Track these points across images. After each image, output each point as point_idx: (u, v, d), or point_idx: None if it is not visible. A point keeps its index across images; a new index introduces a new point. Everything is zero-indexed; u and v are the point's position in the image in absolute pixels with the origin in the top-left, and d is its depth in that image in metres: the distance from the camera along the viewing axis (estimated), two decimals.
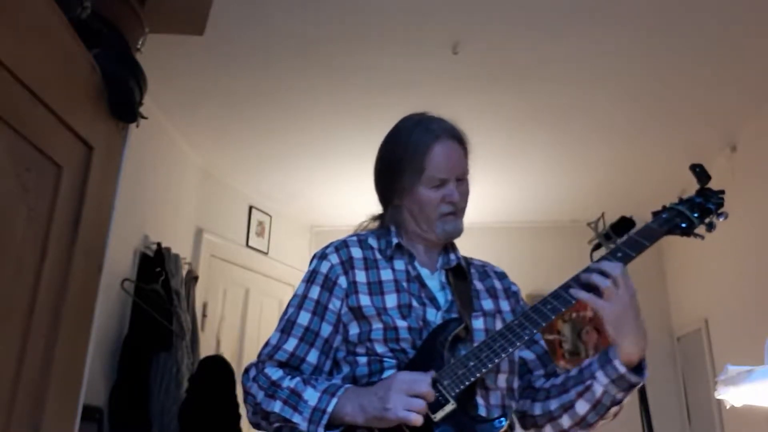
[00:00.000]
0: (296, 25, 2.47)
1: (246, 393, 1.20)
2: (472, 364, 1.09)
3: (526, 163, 3.70)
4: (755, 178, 3.10)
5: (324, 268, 1.26)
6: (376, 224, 1.38)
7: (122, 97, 1.33)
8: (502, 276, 1.40)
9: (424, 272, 1.28)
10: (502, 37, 2.54)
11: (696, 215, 1.26)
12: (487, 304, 1.29)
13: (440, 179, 1.25)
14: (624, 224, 2.24)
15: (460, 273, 1.31)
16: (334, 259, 1.26)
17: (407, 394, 1.03)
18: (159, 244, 3.01)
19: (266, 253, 4.31)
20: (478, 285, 1.32)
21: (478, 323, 1.22)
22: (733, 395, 1.55)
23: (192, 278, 3.33)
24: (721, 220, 1.28)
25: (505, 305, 1.31)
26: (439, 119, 1.32)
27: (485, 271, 1.38)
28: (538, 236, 4.59)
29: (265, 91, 2.98)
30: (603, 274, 1.12)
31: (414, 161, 1.25)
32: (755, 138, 3.11)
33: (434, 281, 1.27)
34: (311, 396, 1.11)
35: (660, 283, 4.44)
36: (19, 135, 1.00)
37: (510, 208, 4.40)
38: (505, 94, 2.96)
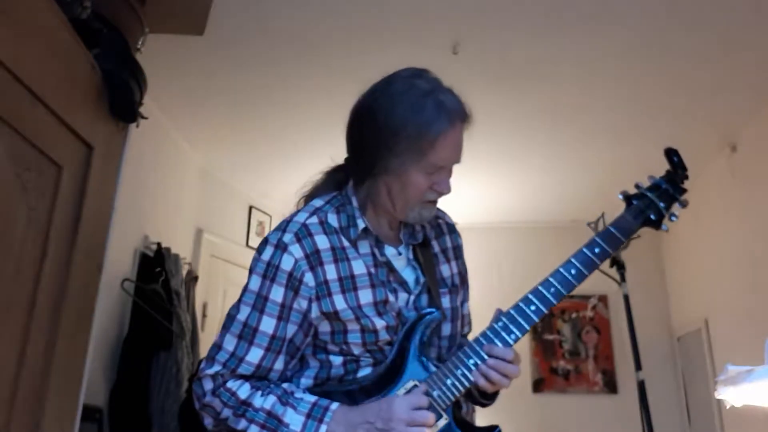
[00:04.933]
0: (296, 25, 2.47)
1: (204, 406, 1.10)
2: (459, 372, 1.09)
3: (526, 163, 3.70)
4: (755, 178, 3.10)
5: (286, 264, 1.11)
6: (327, 184, 1.25)
7: (122, 97, 1.33)
8: (452, 230, 1.33)
9: (390, 251, 1.18)
10: (502, 37, 2.54)
11: (663, 205, 1.24)
12: (446, 269, 1.26)
13: (439, 167, 1.12)
14: None
15: (424, 242, 1.24)
16: (298, 252, 1.12)
17: (409, 424, 1.01)
18: (159, 244, 3.01)
19: None
20: (435, 247, 1.27)
21: (445, 301, 1.21)
22: (733, 395, 1.55)
23: (192, 278, 3.33)
24: (681, 208, 1.27)
25: (454, 267, 1.28)
26: (449, 91, 1.14)
27: (438, 224, 1.30)
28: (538, 236, 4.59)
29: (265, 91, 2.98)
30: (504, 374, 1.10)
31: (416, 143, 1.08)
32: (755, 138, 3.11)
33: (401, 261, 1.19)
34: (293, 420, 1.04)
35: (660, 283, 4.44)
36: (19, 135, 1.00)
37: (510, 208, 4.39)
38: (505, 94, 2.95)
